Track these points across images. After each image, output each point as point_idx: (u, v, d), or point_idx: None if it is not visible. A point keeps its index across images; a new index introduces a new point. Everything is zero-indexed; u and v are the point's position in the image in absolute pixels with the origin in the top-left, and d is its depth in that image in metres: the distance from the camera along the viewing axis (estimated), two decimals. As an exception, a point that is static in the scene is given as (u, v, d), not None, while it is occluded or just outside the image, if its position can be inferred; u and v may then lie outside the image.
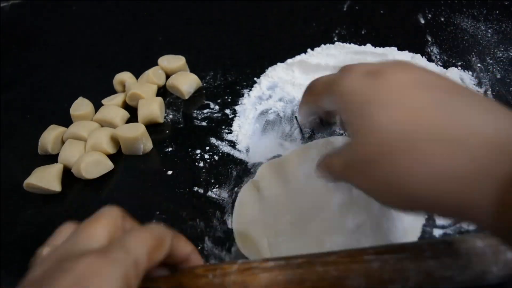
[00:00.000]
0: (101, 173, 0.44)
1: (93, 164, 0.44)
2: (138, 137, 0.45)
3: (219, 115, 0.50)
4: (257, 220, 0.38)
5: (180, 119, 0.50)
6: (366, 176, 0.25)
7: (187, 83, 0.51)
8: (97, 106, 0.51)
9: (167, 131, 0.49)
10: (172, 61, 0.54)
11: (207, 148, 0.46)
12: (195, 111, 0.51)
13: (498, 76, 0.48)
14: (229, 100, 0.51)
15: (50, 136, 0.47)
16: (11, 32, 0.69)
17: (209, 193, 0.41)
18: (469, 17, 0.56)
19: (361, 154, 0.25)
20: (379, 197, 0.25)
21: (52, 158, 0.47)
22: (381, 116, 0.23)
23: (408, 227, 0.35)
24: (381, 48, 0.53)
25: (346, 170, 0.27)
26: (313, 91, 0.34)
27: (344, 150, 0.28)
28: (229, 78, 0.54)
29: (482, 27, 0.55)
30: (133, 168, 0.46)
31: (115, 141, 0.47)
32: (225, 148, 0.46)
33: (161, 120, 0.49)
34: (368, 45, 0.54)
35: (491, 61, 0.50)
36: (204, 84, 0.54)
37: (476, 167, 0.20)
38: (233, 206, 0.40)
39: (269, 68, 0.53)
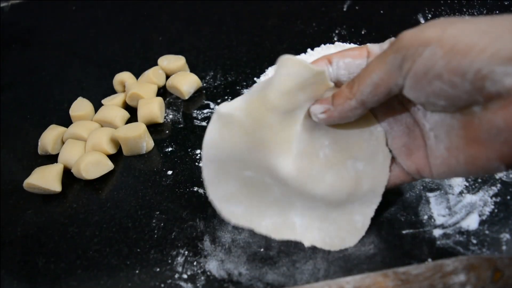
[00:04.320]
0: (101, 173, 0.44)
1: (93, 164, 0.44)
2: (140, 135, 0.45)
3: (219, 115, 0.50)
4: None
5: (180, 119, 0.50)
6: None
7: (187, 83, 0.51)
8: (97, 106, 0.51)
9: (167, 131, 0.49)
10: (172, 61, 0.54)
11: (207, 148, 0.46)
12: (195, 111, 0.51)
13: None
14: (229, 100, 0.51)
15: (50, 136, 0.47)
16: (11, 32, 0.69)
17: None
18: (469, 17, 0.56)
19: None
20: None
21: (52, 158, 0.47)
22: None
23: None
24: (381, 48, 0.53)
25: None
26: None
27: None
28: (229, 78, 0.54)
29: (482, 27, 0.55)
30: (133, 168, 0.46)
31: (115, 141, 0.47)
32: (225, 148, 0.46)
33: (161, 120, 0.49)
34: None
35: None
36: (204, 84, 0.54)
37: None
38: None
39: (269, 68, 0.53)
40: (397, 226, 0.36)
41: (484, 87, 0.23)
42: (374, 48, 0.30)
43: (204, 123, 0.49)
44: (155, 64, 0.55)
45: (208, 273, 0.36)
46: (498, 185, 0.38)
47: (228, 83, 0.53)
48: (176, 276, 0.36)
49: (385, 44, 0.30)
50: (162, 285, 0.36)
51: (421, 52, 0.24)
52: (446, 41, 0.23)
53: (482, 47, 0.22)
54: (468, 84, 0.24)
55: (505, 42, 0.22)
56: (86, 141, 0.46)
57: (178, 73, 0.53)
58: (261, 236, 0.37)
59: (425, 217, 0.37)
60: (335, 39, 0.56)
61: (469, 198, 0.37)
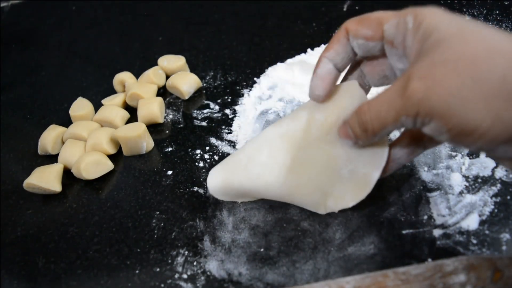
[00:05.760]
0: (101, 173, 0.44)
1: (93, 164, 0.44)
2: (140, 135, 0.45)
3: (219, 115, 0.50)
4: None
5: (180, 119, 0.50)
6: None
7: (187, 83, 0.51)
8: (97, 106, 0.51)
9: (167, 131, 0.49)
10: (172, 61, 0.54)
11: (207, 148, 0.46)
12: (195, 111, 0.51)
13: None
14: (229, 100, 0.51)
15: (50, 136, 0.47)
16: (11, 32, 0.69)
17: (209, 193, 0.41)
18: (469, 17, 0.56)
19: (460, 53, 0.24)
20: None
21: (52, 158, 0.47)
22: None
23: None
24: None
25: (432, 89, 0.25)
26: (368, 18, 0.31)
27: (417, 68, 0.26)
28: (229, 78, 0.54)
29: (482, 27, 0.55)
30: (133, 168, 0.46)
31: (115, 141, 0.47)
32: (225, 148, 0.46)
33: (161, 120, 0.49)
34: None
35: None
36: (204, 84, 0.54)
37: None
38: (233, 206, 0.40)
39: (269, 68, 0.53)
40: (397, 226, 0.36)
41: (488, 153, 0.27)
42: (390, 31, 0.30)
43: (204, 123, 0.49)
44: (155, 64, 0.55)
45: (208, 273, 0.36)
46: (498, 185, 0.38)
47: (228, 83, 0.53)
48: (176, 276, 0.36)
49: (402, 24, 0.29)
50: (162, 285, 0.36)
51: (428, 122, 0.26)
52: (450, 119, 0.24)
53: (484, 130, 0.24)
54: (474, 149, 0.27)
55: (506, 122, 0.23)
56: (86, 141, 0.46)
57: (178, 73, 0.53)
58: (261, 236, 0.37)
59: (425, 217, 0.37)
60: (335, 39, 0.56)
61: (469, 198, 0.37)
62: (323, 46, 0.55)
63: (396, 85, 0.27)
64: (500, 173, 0.39)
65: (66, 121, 0.50)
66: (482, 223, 0.36)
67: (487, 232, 0.35)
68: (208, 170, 0.44)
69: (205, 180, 0.43)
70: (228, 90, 0.52)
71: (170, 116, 0.51)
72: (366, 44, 0.32)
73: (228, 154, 0.45)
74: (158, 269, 0.37)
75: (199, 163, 0.45)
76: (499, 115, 0.23)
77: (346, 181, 0.35)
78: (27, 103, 0.56)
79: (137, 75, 0.55)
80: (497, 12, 0.56)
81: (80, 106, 0.51)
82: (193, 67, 0.56)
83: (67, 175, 0.45)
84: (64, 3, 0.72)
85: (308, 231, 0.37)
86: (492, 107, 0.23)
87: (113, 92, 0.54)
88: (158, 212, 0.41)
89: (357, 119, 0.30)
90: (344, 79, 0.38)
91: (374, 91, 0.39)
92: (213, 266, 0.36)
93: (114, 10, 0.69)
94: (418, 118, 0.26)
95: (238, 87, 0.52)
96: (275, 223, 0.38)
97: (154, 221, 0.40)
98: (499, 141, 0.24)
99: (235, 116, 0.49)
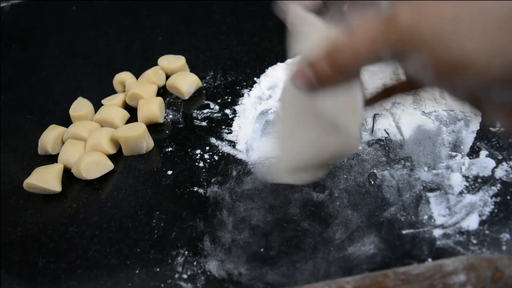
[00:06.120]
0: (101, 173, 0.44)
1: (93, 164, 0.44)
2: (140, 135, 0.45)
3: (219, 115, 0.50)
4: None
5: (180, 119, 0.50)
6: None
7: (187, 83, 0.51)
8: (97, 106, 0.51)
9: (167, 131, 0.49)
10: (172, 61, 0.54)
11: (207, 148, 0.46)
12: (195, 111, 0.51)
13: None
14: (229, 100, 0.51)
15: (50, 136, 0.47)
16: (11, 32, 0.69)
17: (209, 193, 0.41)
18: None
19: None
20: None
21: (52, 158, 0.47)
22: None
23: None
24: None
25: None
26: None
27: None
28: (229, 78, 0.54)
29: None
30: (133, 168, 0.46)
31: (115, 141, 0.47)
32: (225, 148, 0.46)
33: (161, 120, 0.49)
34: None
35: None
36: (204, 84, 0.54)
37: None
38: (233, 206, 0.40)
39: (269, 68, 0.53)
40: (397, 226, 0.36)
41: (478, 99, 0.23)
42: None
43: (204, 123, 0.49)
44: (155, 64, 0.55)
45: (208, 273, 0.36)
46: (498, 185, 0.38)
47: (228, 83, 0.53)
48: (176, 276, 0.36)
49: None
50: (162, 285, 0.36)
51: (411, 53, 0.22)
52: (440, 49, 0.21)
53: (480, 64, 0.20)
54: (461, 92, 0.23)
55: (507, 56, 0.20)
56: (86, 141, 0.46)
57: (178, 73, 0.53)
58: (261, 236, 0.37)
59: (425, 217, 0.37)
60: (335, 39, 0.56)
61: (469, 198, 0.37)
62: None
63: (377, 10, 0.23)
64: (500, 173, 0.39)
65: (66, 121, 0.50)
66: (482, 223, 0.36)
67: (487, 232, 0.35)
68: (208, 170, 0.44)
69: (205, 180, 0.43)
70: (228, 90, 0.52)
71: (170, 116, 0.51)
72: None
73: (228, 154, 0.45)
74: (158, 269, 0.37)
75: (199, 163, 0.45)
76: (500, 47, 0.20)
77: (334, 132, 0.31)
78: (27, 103, 0.56)
79: (137, 75, 0.55)
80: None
81: (80, 106, 0.51)
82: (193, 67, 0.56)
83: (67, 175, 0.45)
84: (64, 3, 0.72)
85: (308, 231, 0.37)
86: (492, 38, 0.20)
87: (113, 92, 0.54)
88: (158, 212, 0.41)
89: (325, 52, 0.25)
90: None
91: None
92: (213, 266, 0.36)
93: (114, 10, 0.69)
94: (398, 45, 0.22)
95: (238, 87, 0.52)
96: (275, 223, 0.38)
97: (154, 221, 0.40)
98: (497, 79, 0.21)
99: (235, 116, 0.49)
